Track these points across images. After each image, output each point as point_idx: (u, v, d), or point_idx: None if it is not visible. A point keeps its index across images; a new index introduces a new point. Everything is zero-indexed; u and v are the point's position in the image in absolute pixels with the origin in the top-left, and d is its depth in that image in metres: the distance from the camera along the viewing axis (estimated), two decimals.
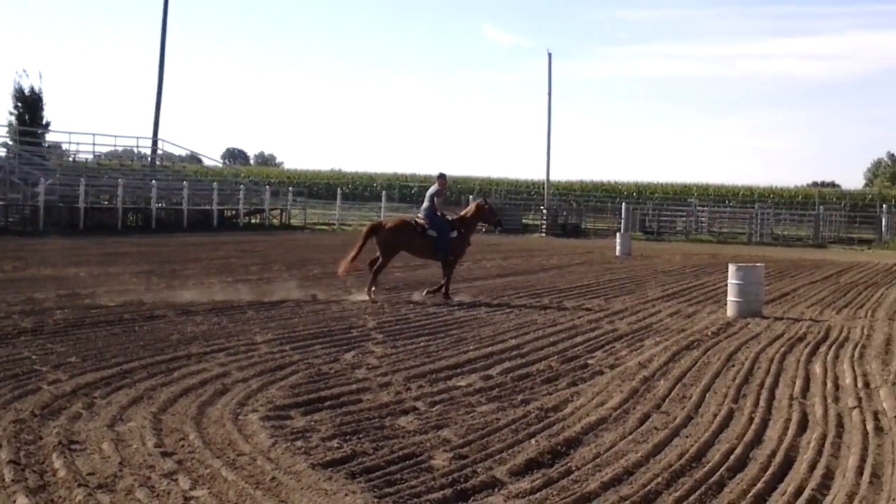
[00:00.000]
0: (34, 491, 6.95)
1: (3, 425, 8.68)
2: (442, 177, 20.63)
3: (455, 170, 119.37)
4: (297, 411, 9.61)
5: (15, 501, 6.73)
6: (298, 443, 8.43)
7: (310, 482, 7.32)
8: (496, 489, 7.38)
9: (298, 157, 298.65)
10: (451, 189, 76.27)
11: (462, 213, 21.01)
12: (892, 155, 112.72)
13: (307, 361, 12.20)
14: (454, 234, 19.95)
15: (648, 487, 7.46)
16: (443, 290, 19.59)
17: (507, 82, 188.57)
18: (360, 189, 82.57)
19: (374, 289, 19.10)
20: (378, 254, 19.57)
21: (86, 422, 8.98)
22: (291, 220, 56.06)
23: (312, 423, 9.18)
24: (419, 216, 20.20)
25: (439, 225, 19.82)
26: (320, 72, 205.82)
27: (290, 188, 60.95)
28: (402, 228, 19.83)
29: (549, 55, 59.29)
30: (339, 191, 62.25)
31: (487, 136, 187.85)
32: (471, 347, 13.69)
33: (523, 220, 59.98)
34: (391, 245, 19.57)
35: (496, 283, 24.03)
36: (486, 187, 77.30)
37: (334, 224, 56.74)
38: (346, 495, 7.00)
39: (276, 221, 54.41)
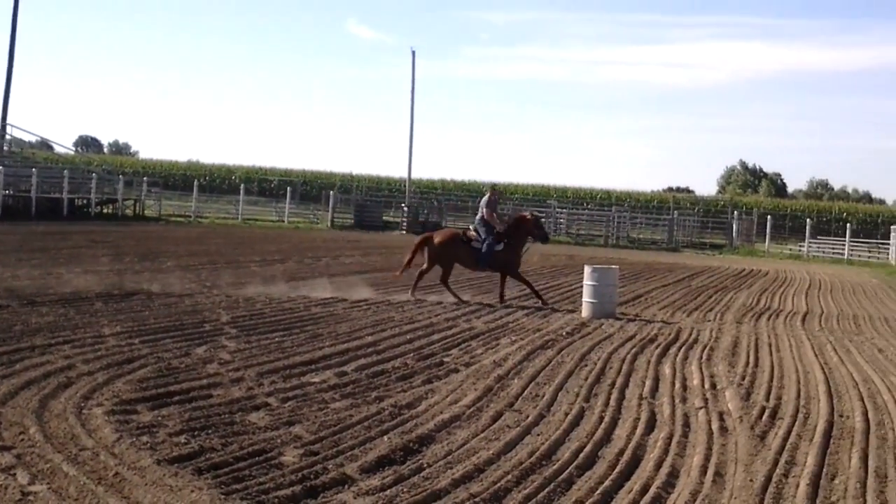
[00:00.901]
0: None
1: None
2: (493, 188, 21.63)
3: (316, 165, 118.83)
4: (144, 406, 9.36)
5: None
6: (144, 438, 8.22)
7: (155, 478, 7.13)
8: (346, 486, 7.31)
9: (154, 146, 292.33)
10: (310, 184, 76.06)
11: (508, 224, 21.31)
12: (745, 163, 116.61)
13: (157, 355, 11.89)
14: (500, 246, 20.51)
15: (498, 485, 7.49)
16: (501, 296, 20.51)
17: (370, 79, 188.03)
18: (218, 181, 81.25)
19: (414, 291, 20.26)
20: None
21: None
22: (146, 212, 54.79)
23: (160, 417, 8.96)
24: (470, 227, 21.24)
25: (486, 236, 20.48)
26: (178, 60, 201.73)
27: (145, 178, 59.63)
28: (449, 242, 20.83)
29: (413, 53, 59.32)
30: (195, 182, 61.08)
31: (350, 132, 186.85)
32: (326, 344, 13.57)
33: (384, 218, 59.96)
34: (439, 257, 20.78)
35: (355, 279, 23.87)
36: (347, 183, 76.90)
37: (190, 216, 55.71)
38: (192, 491, 6.84)
39: (129, 212, 53.05)
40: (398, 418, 9.46)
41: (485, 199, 20.99)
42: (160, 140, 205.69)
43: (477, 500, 7.08)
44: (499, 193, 21.57)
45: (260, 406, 9.69)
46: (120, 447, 7.91)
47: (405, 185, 63.26)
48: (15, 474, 7.09)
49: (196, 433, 8.46)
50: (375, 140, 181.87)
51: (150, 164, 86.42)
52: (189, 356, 12.03)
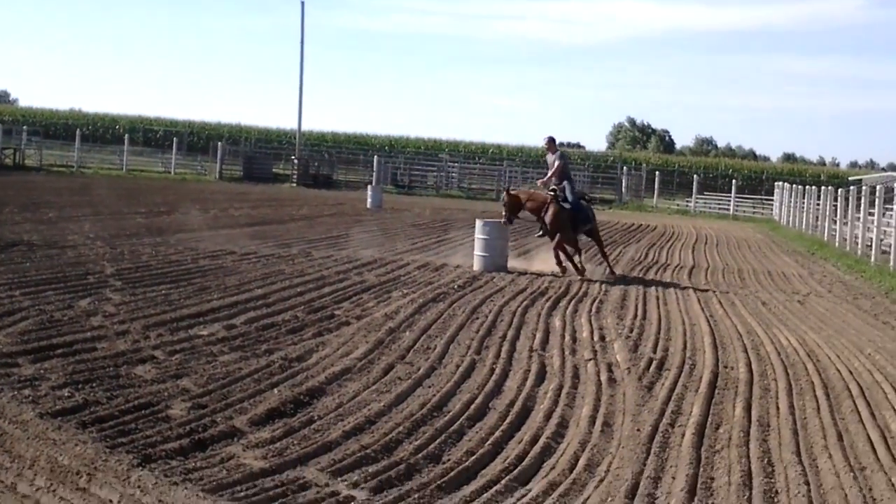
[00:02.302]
0: None
1: None
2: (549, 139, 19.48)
3: (203, 116, 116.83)
4: (25, 359, 9.10)
5: None
6: (26, 391, 7.99)
7: (37, 432, 6.95)
8: (235, 438, 7.22)
9: (35, 95, 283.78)
10: (197, 135, 74.78)
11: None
12: (633, 120, 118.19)
13: (38, 308, 11.56)
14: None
15: (390, 436, 7.48)
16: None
17: (259, 28, 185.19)
18: (102, 131, 79.19)
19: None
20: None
21: None
22: (26, 161, 53.24)
23: (42, 371, 8.72)
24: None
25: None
26: (61, 5, 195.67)
27: (25, 127, 57.92)
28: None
29: (302, 3, 58.54)
30: (77, 132, 59.52)
31: (238, 83, 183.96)
32: (214, 296, 13.36)
33: (273, 170, 59.33)
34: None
35: (244, 231, 23.58)
36: (235, 135, 75.80)
37: (73, 167, 54.32)
38: (77, 445, 6.67)
39: (9, 162, 51.50)
40: (288, 371, 9.37)
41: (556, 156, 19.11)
42: (41, 88, 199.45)
43: (368, 451, 7.06)
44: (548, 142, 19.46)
45: (146, 359, 9.50)
46: (0, 401, 7.68)
47: (295, 138, 62.60)
48: None
49: (80, 386, 8.26)
50: (265, 91, 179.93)
51: (30, 113, 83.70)
52: (72, 309, 11.73)
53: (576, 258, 18.92)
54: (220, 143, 59.41)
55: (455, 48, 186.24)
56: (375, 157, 58.98)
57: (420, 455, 7.12)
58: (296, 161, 57.25)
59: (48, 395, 7.93)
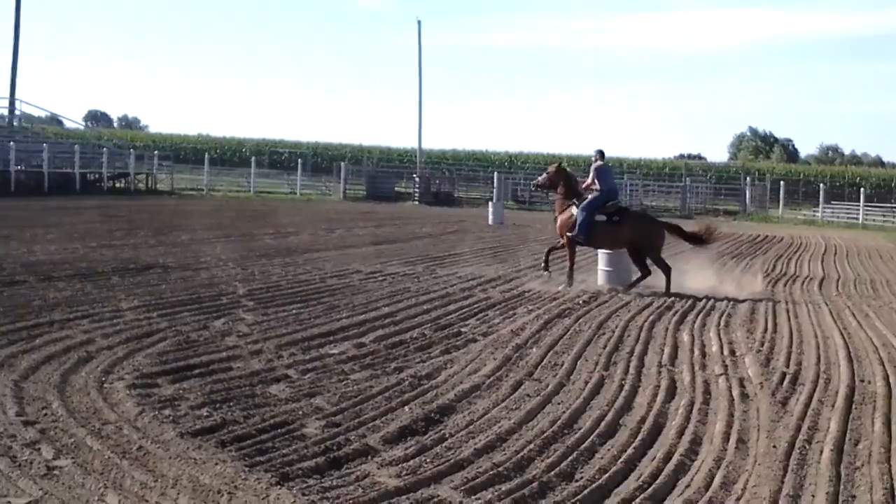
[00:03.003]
0: None
1: None
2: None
3: (326, 137, 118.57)
4: (164, 379, 9.37)
5: None
6: (166, 411, 8.23)
7: (178, 451, 7.14)
8: (369, 457, 7.30)
9: (164, 120, 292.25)
10: (321, 156, 75.97)
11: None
12: (755, 129, 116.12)
13: (175, 328, 11.91)
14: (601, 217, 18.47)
15: (521, 454, 7.48)
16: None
17: (378, 49, 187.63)
18: (229, 154, 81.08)
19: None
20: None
21: None
22: (158, 185, 54.82)
23: (181, 391, 8.97)
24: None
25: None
26: (187, 34, 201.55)
27: (156, 152, 59.56)
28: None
29: (419, 23, 59.23)
30: (206, 156, 61.01)
31: (359, 104, 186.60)
32: (343, 315, 13.56)
33: (396, 189, 59.87)
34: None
35: (369, 250, 23.88)
36: (357, 155, 76.85)
37: (203, 189, 55.72)
38: (217, 464, 6.84)
39: (141, 186, 53.08)
40: (418, 389, 9.45)
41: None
42: (170, 114, 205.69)
43: (500, 469, 7.08)
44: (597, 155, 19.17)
45: (280, 378, 9.69)
46: (142, 421, 7.93)
47: (416, 156, 63.13)
48: (40, 449, 7.11)
49: (218, 406, 8.47)
50: (385, 111, 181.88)
51: (160, 138, 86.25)
52: (207, 329, 12.05)
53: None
54: (343, 164, 60.25)
55: (570, 62, 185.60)
56: (495, 173, 59.04)
57: (552, 473, 7.11)
58: (417, 179, 57.71)
59: (187, 415, 8.15)
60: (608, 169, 19.22)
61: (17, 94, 56.38)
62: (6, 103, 56.75)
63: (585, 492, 6.74)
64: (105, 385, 9.07)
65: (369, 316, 13.57)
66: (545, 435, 8.05)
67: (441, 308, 14.65)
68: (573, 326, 13.49)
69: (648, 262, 18.32)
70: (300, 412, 8.41)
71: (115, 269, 17.11)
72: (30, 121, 62.29)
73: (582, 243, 18.76)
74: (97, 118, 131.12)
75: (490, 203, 42.34)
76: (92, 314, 12.58)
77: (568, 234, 18.59)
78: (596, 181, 18.58)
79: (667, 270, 18.19)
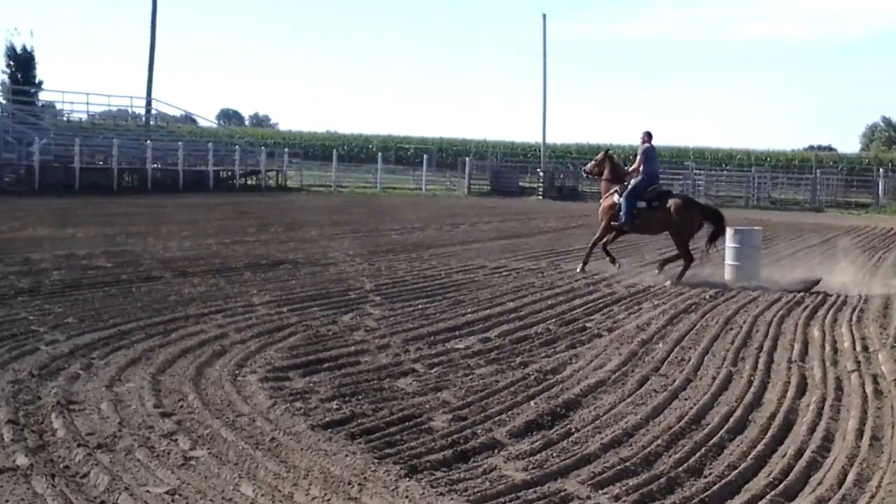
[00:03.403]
0: (33, 451, 6.93)
1: (2, 385, 8.67)
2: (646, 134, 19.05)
3: (450, 132, 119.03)
4: (295, 373, 9.59)
5: (15, 461, 6.71)
6: (297, 404, 8.42)
7: (310, 443, 7.31)
8: (496, 450, 7.36)
9: (293, 118, 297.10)
10: (445, 152, 76.37)
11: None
12: (888, 119, 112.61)
13: (305, 323, 12.17)
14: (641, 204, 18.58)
15: (648, 449, 7.45)
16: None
17: (502, 44, 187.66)
18: (356, 150, 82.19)
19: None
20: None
21: (84, 382, 8.96)
22: (287, 182, 55.87)
23: (311, 384, 9.17)
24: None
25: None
26: (315, 33, 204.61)
27: (286, 149, 60.65)
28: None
29: (544, 16, 59.18)
30: (334, 152, 61.93)
31: (483, 99, 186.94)
32: (468, 310, 13.67)
33: (520, 183, 59.84)
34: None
35: (493, 245, 23.98)
36: (481, 150, 77.00)
37: (331, 186, 56.57)
38: (346, 456, 6.99)
39: (272, 183, 54.20)
40: (544, 383, 9.47)
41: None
42: (299, 112, 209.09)
43: (627, 464, 7.06)
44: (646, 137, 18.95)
45: (407, 372, 9.83)
46: (275, 413, 8.13)
47: (540, 151, 62.99)
48: (177, 440, 7.35)
49: (347, 399, 8.63)
50: (509, 106, 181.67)
51: (289, 136, 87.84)
52: (336, 324, 12.28)
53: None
54: (467, 159, 60.50)
55: (695, 53, 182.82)
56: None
57: (680, 469, 7.06)
58: (541, 174, 57.59)
59: (318, 408, 8.33)
60: (654, 152, 19.08)
61: (154, 94, 58.11)
62: (143, 103, 58.53)
63: (714, 488, 6.68)
64: (238, 378, 9.32)
65: (494, 311, 13.65)
66: (672, 430, 8.00)
67: (566, 303, 14.64)
68: (699, 322, 13.35)
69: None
70: (427, 406, 8.52)
71: (247, 265, 17.56)
72: (165, 120, 64.06)
73: (628, 231, 19.07)
74: (229, 116, 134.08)
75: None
76: (225, 309, 12.94)
77: (613, 222, 18.84)
78: (642, 164, 18.62)
79: (687, 260, 18.25)
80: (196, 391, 8.73)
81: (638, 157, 18.93)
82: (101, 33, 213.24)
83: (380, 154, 64.39)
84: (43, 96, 59.78)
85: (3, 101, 54.82)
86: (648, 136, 18.90)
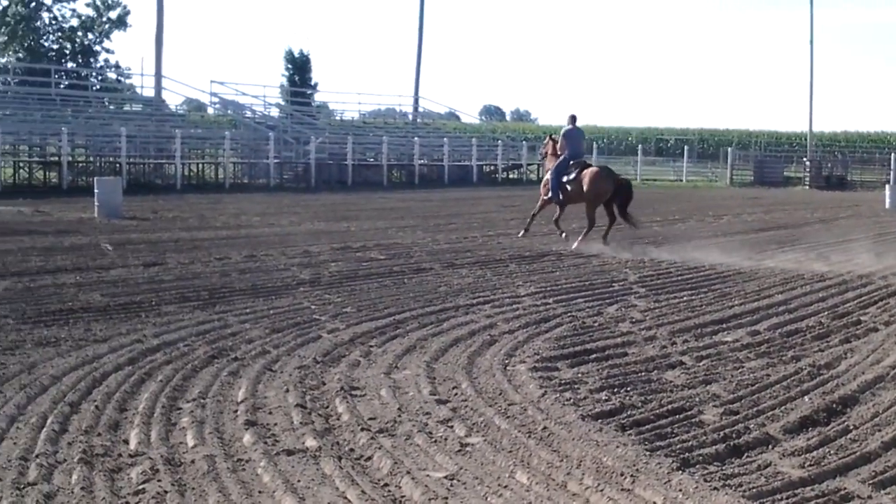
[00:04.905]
0: (321, 434, 7.34)
1: (289, 371, 9.22)
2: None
3: (711, 123, 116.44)
4: (563, 363, 9.72)
5: (304, 443, 7.14)
6: (567, 394, 8.54)
7: (580, 433, 7.41)
8: (770, 446, 7.25)
9: (553, 113, 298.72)
10: (707, 143, 74.80)
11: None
12: None
13: (571, 314, 12.31)
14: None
15: None
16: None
17: (765, 30, 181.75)
18: (615, 143, 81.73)
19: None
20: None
21: (364, 369, 9.41)
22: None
23: (579, 375, 9.27)
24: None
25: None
26: (570, 28, 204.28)
27: None
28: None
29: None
30: (594, 145, 61.90)
31: (745, 88, 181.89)
32: (735, 302, 13.44)
33: (785, 173, 58.03)
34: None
35: (758, 237, 23.43)
36: (744, 140, 75.05)
37: None
38: (618, 447, 7.05)
39: (533, 177, 54.70)
40: (817, 378, 9.22)
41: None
42: (558, 106, 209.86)
43: None
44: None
45: (675, 364, 9.79)
46: (545, 402, 8.28)
47: (806, 139, 60.82)
48: (453, 426, 7.61)
49: (616, 390, 8.69)
50: (773, 94, 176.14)
51: (550, 130, 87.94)
52: (601, 315, 12.35)
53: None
54: (729, 149, 59.24)
55: None
56: (893, 154, 55.75)
57: None
58: (808, 163, 55.63)
59: (587, 399, 8.43)
60: (577, 133, 21.38)
61: (420, 93, 59.89)
62: (411, 101, 60.43)
63: None
64: (508, 367, 9.54)
65: (762, 303, 13.37)
66: None
67: (838, 295, 14.15)
68: None
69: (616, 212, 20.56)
70: (697, 399, 8.47)
71: (511, 257, 17.90)
72: (430, 117, 65.82)
73: (562, 203, 21.03)
74: (491, 113, 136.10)
75: (887, 186, 40.06)
76: (493, 300, 13.25)
77: (544, 197, 21.44)
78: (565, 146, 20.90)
79: (591, 226, 20.40)
80: (469, 379, 9.00)
81: (560, 140, 21.12)
82: (371, 36, 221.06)
83: (640, 146, 63.86)
84: (318, 97, 62.82)
85: (283, 103, 57.77)
86: (572, 119, 21.30)
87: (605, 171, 21.09)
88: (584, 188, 20.22)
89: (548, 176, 21.29)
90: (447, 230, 22.90)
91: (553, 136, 22.20)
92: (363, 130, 53.17)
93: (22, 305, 12.02)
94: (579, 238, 20.06)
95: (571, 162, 20.71)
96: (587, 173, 20.37)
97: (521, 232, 21.62)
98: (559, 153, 21.03)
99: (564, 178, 20.62)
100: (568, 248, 19.49)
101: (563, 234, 20.61)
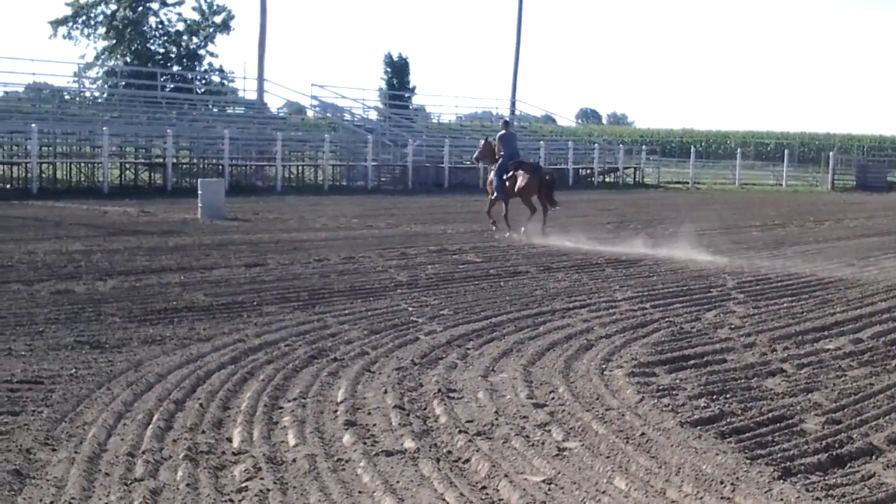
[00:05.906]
0: (419, 435, 7.41)
1: (388, 372, 9.32)
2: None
3: (813, 127, 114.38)
4: (661, 369, 9.66)
5: (402, 444, 7.21)
6: (665, 400, 8.49)
7: (679, 440, 7.37)
8: (874, 456, 7.12)
9: (649, 116, 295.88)
10: (807, 147, 73.50)
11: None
12: None
13: (668, 319, 12.23)
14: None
15: None
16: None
17: (865, 34, 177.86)
18: (714, 147, 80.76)
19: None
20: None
21: (461, 371, 9.46)
22: (645, 179, 55.84)
23: (677, 381, 9.21)
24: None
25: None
26: (670, 32, 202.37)
27: (643, 147, 60.64)
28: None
29: None
30: (692, 149, 61.26)
31: (848, 92, 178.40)
32: (837, 309, 13.21)
33: (888, 178, 56.75)
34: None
35: (861, 243, 22.97)
36: (846, 144, 73.55)
37: (688, 182, 55.98)
38: (717, 454, 6.99)
39: (629, 180, 54.40)
40: None
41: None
42: (655, 109, 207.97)
43: None
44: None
45: (775, 372, 9.66)
46: (643, 408, 8.25)
47: None
48: (550, 430, 7.61)
49: (714, 397, 8.61)
50: (876, 97, 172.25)
51: (646, 133, 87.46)
52: (699, 321, 12.25)
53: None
54: (831, 154, 58.12)
55: None
56: None
57: None
58: None
59: (685, 405, 8.37)
60: (510, 136, 23.77)
61: (517, 96, 60.02)
62: (507, 104, 60.61)
63: None
64: (605, 372, 9.51)
65: (865, 311, 13.11)
66: None
67: None
68: None
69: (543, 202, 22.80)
70: (798, 407, 8.35)
71: (608, 261, 17.82)
72: (527, 120, 65.85)
73: (506, 199, 22.88)
74: (587, 115, 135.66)
75: None
76: (589, 304, 13.22)
77: (491, 197, 23.28)
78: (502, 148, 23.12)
79: (532, 211, 22.85)
80: (566, 384, 9.00)
81: (497, 143, 23.45)
82: (469, 39, 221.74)
83: (739, 150, 63.04)
84: (416, 100, 63.35)
85: (381, 106, 58.33)
86: (505, 124, 24.36)
87: (531, 170, 23.17)
88: (516, 186, 22.50)
89: (492, 176, 23.33)
90: (544, 234, 22.84)
91: (489, 139, 24.99)
92: (460, 133, 53.39)
93: (128, 304, 12.34)
94: (526, 224, 22.36)
95: (511, 162, 22.92)
96: (518, 174, 22.55)
97: (495, 231, 22.94)
98: (497, 155, 23.21)
99: (504, 177, 22.69)
100: (513, 238, 21.87)
101: (495, 225, 22.97)
